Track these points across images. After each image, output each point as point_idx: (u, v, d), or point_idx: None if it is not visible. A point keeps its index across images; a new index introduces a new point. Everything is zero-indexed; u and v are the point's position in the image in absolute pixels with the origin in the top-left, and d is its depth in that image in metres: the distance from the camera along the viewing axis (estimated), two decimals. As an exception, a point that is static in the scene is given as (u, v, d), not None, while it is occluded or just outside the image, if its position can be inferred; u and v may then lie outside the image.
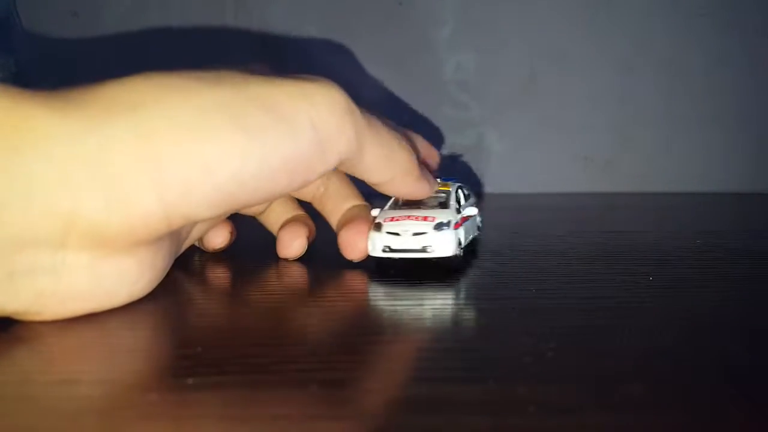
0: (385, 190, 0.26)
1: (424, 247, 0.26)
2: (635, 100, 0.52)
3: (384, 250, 0.26)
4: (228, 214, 0.28)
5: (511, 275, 0.27)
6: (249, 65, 0.24)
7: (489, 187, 0.52)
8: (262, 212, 0.31)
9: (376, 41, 0.51)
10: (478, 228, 0.32)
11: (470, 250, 0.31)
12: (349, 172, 0.25)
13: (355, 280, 0.26)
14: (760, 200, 0.50)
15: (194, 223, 0.26)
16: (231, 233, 0.30)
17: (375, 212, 0.28)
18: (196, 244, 0.31)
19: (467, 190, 0.31)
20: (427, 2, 0.51)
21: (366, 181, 0.26)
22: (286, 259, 0.29)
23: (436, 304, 0.23)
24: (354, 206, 0.29)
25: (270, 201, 0.23)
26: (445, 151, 0.52)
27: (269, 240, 0.32)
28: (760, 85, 0.51)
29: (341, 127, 0.22)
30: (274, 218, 0.31)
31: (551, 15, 0.51)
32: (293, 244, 0.29)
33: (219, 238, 0.30)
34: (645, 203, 0.49)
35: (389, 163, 0.25)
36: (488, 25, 0.51)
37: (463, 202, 0.30)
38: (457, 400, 0.15)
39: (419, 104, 0.51)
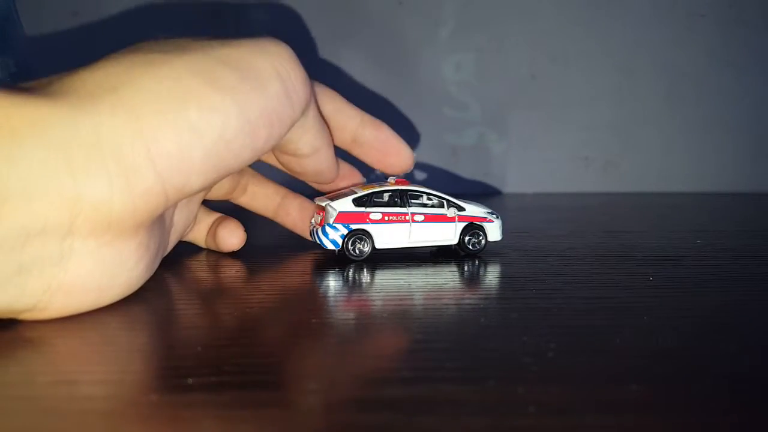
0: (307, 163, 0.27)
1: None
2: (635, 100, 0.52)
3: None
4: (215, 184, 0.28)
5: (511, 275, 0.27)
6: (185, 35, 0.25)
7: (489, 187, 0.53)
8: (241, 195, 0.31)
9: (376, 41, 0.51)
10: None
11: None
12: (286, 143, 0.25)
13: (355, 280, 0.26)
14: (760, 200, 0.50)
15: (174, 214, 0.26)
16: (245, 233, 0.31)
17: (451, 211, 0.30)
18: (205, 245, 0.31)
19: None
20: (427, 2, 0.51)
21: (296, 151, 0.26)
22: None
23: (436, 304, 0.23)
24: (287, 195, 0.31)
25: (252, 161, 0.24)
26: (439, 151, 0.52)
27: (268, 240, 0.32)
28: (760, 86, 0.51)
29: (300, 76, 0.24)
30: (261, 202, 0.31)
31: (551, 15, 0.51)
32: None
33: (235, 239, 0.30)
34: (645, 203, 0.49)
35: (322, 127, 0.26)
36: (488, 25, 0.51)
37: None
38: (457, 400, 0.15)
39: (419, 104, 0.51)
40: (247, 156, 0.22)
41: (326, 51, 0.51)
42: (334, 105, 0.28)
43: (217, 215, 0.31)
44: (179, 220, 0.27)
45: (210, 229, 0.30)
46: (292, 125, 0.24)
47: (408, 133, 0.51)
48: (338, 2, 0.50)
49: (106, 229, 0.20)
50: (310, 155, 0.26)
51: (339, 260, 0.29)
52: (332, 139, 0.28)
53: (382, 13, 0.51)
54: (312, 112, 0.25)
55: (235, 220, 0.31)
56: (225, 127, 0.21)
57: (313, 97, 0.25)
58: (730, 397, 0.15)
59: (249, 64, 0.22)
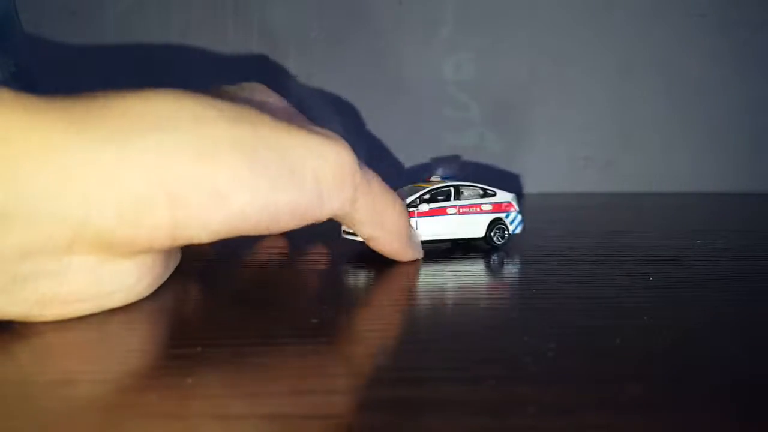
0: (372, 245, 0.27)
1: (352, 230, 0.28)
2: (635, 101, 0.52)
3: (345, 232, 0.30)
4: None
5: (511, 275, 0.27)
6: (269, 98, 0.25)
7: (489, 187, 0.52)
8: None
9: (376, 41, 0.51)
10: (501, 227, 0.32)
11: (467, 249, 0.31)
12: (340, 221, 0.26)
13: (355, 280, 0.26)
14: (760, 200, 0.50)
15: None
16: None
17: None
18: None
19: (470, 189, 0.32)
20: (427, 2, 0.51)
21: (357, 233, 0.27)
22: None
23: (435, 304, 0.23)
24: None
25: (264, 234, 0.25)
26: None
27: (270, 240, 0.32)
28: (760, 86, 0.51)
29: (342, 186, 0.23)
30: None
31: (551, 15, 0.51)
32: None
33: None
34: (645, 203, 0.49)
35: (377, 222, 0.26)
36: (488, 25, 0.51)
37: (451, 199, 0.31)
38: (457, 400, 0.15)
39: (419, 104, 0.51)
40: (262, 231, 0.22)
41: (326, 51, 0.51)
42: None
43: None
44: None
45: None
46: (317, 221, 0.24)
47: (407, 133, 0.51)
48: (338, 2, 0.50)
49: (104, 250, 0.19)
50: (369, 240, 0.27)
51: (338, 258, 0.29)
52: (404, 229, 0.28)
53: (382, 13, 0.51)
54: (362, 209, 0.25)
55: None
56: (248, 204, 0.21)
57: (366, 194, 0.25)
58: (730, 398, 0.15)
59: (293, 157, 0.22)
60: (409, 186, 0.31)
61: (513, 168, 0.52)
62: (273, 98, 0.27)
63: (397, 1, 0.50)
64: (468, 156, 0.52)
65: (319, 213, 0.23)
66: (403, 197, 0.30)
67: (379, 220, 0.26)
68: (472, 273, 0.27)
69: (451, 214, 0.30)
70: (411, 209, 0.29)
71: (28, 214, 0.18)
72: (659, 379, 0.16)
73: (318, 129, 0.24)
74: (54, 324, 0.20)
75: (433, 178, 0.32)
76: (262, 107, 0.23)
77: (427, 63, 0.51)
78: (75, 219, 0.18)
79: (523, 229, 0.32)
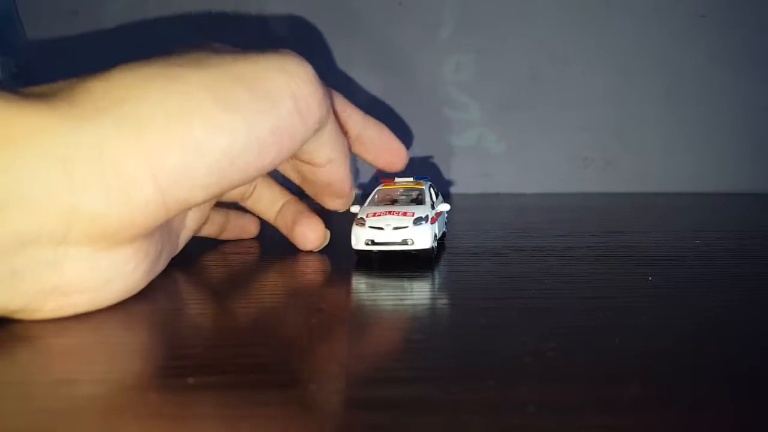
0: (321, 172, 0.27)
1: (404, 240, 0.27)
2: (635, 101, 0.52)
3: (367, 243, 0.27)
4: (219, 197, 0.28)
5: (511, 275, 0.27)
6: (210, 44, 0.25)
7: (489, 187, 0.52)
8: (249, 197, 0.31)
9: (376, 41, 0.51)
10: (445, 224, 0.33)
11: (467, 249, 0.31)
12: (301, 152, 0.26)
13: (355, 280, 0.26)
14: (760, 200, 0.50)
15: (186, 215, 0.26)
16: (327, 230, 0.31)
17: (355, 209, 0.29)
18: (223, 238, 0.32)
19: (435, 188, 0.32)
20: (427, 2, 0.51)
21: (311, 161, 0.26)
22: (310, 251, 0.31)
23: (436, 305, 0.23)
24: (289, 200, 0.31)
25: (259, 177, 0.24)
26: (418, 151, 0.52)
27: (268, 240, 0.32)
28: (759, 86, 0.51)
29: (315, 94, 0.23)
30: (265, 204, 0.31)
31: (551, 15, 0.51)
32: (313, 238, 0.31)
33: (314, 234, 0.31)
34: (645, 203, 0.49)
35: (339, 140, 0.26)
36: (488, 25, 0.51)
37: (435, 199, 0.31)
38: (457, 400, 0.15)
39: (419, 104, 0.51)
40: (253, 172, 0.22)
41: (326, 51, 0.51)
42: (338, 108, 0.29)
43: (229, 211, 0.32)
44: (191, 221, 0.27)
45: (285, 226, 0.31)
46: (303, 142, 0.24)
47: (407, 133, 0.51)
48: (338, 2, 0.50)
49: (101, 238, 0.20)
50: (324, 165, 0.27)
51: (338, 260, 0.29)
52: (349, 152, 0.28)
53: (381, 14, 0.51)
54: (329, 127, 0.25)
55: (317, 216, 0.31)
56: (230, 145, 0.21)
57: (332, 112, 0.25)
58: (729, 397, 0.15)
59: (264, 82, 0.22)
60: (382, 188, 0.31)
61: (513, 168, 0.52)
62: (218, 44, 0.26)
63: (397, 1, 0.50)
64: (468, 156, 0.52)
65: (304, 130, 0.23)
66: (387, 199, 0.30)
67: (339, 139, 0.26)
68: (471, 273, 0.27)
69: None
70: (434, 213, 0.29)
71: (20, 204, 0.18)
72: (659, 379, 0.16)
73: (271, 50, 0.24)
74: (54, 326, 0.20)
75: (397, 180, 0.31)
76: (215, 50, 0.23)
77: (427, 63, 0.51)
78: (66, 206, 0.18)
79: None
